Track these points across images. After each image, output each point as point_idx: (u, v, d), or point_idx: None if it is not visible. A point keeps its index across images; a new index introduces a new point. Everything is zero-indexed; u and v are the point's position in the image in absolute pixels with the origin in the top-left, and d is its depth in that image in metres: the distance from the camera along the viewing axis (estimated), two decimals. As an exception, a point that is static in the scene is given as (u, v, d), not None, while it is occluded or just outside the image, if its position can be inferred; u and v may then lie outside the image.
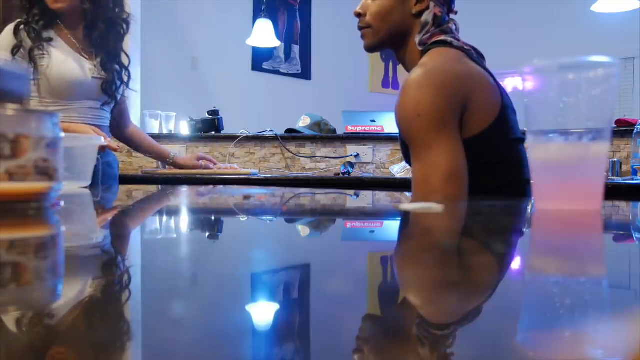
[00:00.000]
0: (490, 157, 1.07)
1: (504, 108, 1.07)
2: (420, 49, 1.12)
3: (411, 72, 1.04)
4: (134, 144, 1.86)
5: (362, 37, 1.19)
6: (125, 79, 1.60)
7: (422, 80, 1.01)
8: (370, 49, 1.20)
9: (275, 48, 4.45)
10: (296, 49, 4.95)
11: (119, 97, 1.60)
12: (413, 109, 1.00)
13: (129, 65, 1.60)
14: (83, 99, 1.53)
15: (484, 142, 1.04)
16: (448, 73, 1.03)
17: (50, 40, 1.49)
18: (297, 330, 0.20)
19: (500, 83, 1.12)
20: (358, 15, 1.18)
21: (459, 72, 1.05)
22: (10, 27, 1.50)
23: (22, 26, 1.48)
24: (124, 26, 1.56)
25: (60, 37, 1.52)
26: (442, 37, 1.11)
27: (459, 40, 1.12)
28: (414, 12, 1.13)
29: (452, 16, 1.16)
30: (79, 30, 1.54)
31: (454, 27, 1.15)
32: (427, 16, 1.12)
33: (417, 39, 1.13)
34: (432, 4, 1.12)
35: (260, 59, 4.66)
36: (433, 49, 1.09)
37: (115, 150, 1.45)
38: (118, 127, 1.75)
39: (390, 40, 1.17)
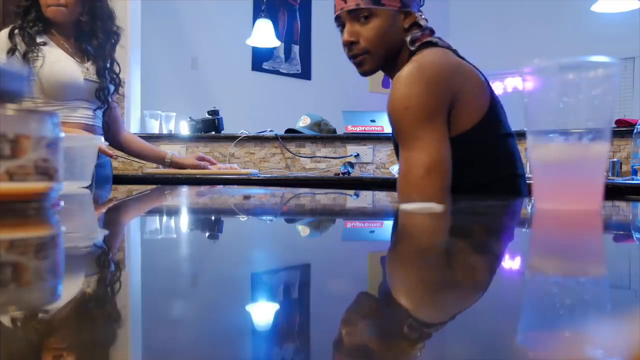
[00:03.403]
0: (481, 152, 1.08)
1: (493, 103, 1.08)
2: (412, 48, 1.12)
3: (403, 68, 1.05)
4: (129, 150, 1.90)
5: (360, 64, 1.14)
6: (116, 85, 1.70)
7: (413, 74, 1.02)
8: (369, 73, 1.16)
9: (275, 48, 4.44)
10: (296, 49, 4.95)
11: (110, 100, 1.69)
12: (401, 102, 1.02)
13: (119, 72, 1.70)
14: (75, 100, 1.59)
15: (475, 137, 1.06)
16: (438, 67, 1.05)
17: (44, 44, 1.56)
18: (296, 330, 0.20)
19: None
20: (350, 43, 1.12)
21: (449, 66, 1.06)
22: (5, 32, 1.56)
23: (16, 31, 1.55)
24: (115, 37, 1.67)
25: (52, 41, 1.59)
26: (429, 38, 1.12)
27: (443, 40, 1.13)
28: (405, 27, 1.13)
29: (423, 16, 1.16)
30: (71, 36, 1.62)
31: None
32: (416, 25, 1.13)
33: (407, 38, 1.13)
34: (415, 14, 1.13)
35: (260, 59, 4.65)
36: (424, 49, 1.10)
37: (110, 155, 1.49)
38: (112, 133, 1.81)
39: (387, 60, 1.15)
